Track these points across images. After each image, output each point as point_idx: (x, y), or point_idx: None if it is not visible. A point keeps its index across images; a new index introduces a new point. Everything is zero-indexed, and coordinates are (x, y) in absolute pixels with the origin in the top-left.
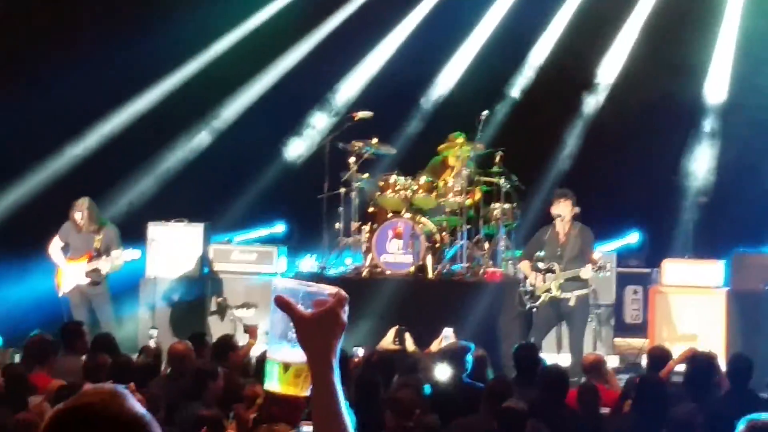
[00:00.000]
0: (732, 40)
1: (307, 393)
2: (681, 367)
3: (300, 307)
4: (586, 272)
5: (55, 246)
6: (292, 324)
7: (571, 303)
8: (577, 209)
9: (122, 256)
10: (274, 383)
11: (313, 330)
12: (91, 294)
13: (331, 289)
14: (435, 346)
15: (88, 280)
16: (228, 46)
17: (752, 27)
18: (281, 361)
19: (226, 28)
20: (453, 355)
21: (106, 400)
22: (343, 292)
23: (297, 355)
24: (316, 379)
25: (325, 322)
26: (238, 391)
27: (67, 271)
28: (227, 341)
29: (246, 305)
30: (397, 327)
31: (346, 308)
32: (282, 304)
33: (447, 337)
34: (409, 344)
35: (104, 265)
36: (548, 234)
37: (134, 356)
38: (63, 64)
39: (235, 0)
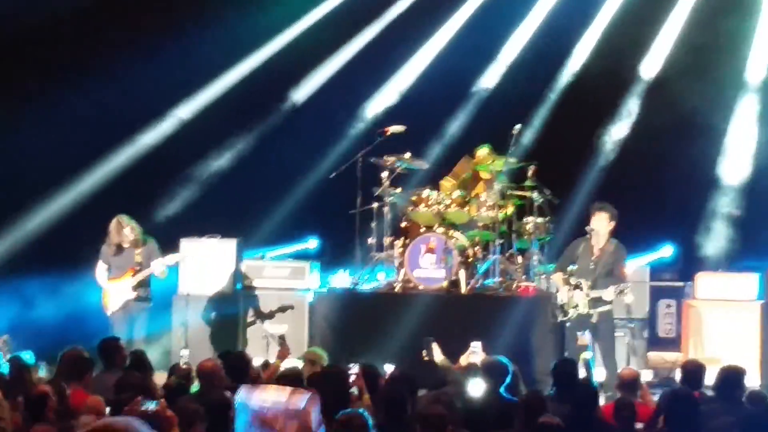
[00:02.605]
0: None
1: None
2: (711, 381)
3: None
4: (608, 294)
5: (100, 270)
6: None
7: (594, 320)
8: (613, 224)
9: (166, 261)
10: None
11: None
12: (135, 309)
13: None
14: (463, 360)
15: (134, 294)
16: (260, 62)
17: None
18: None
19: (257, 43)
20: (492, 371)
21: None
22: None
23: None
24: None
25: None
26: None
27: (113, 291)
28: (240, 359)
29: (276, 313)
30: (424, 338)
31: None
32: None
33: (475, 351)
34: (437, 355)
35: (144, 274)
36: (582, 247)
37: (165, 374)
38: (94, 79)
39: (268, 15)
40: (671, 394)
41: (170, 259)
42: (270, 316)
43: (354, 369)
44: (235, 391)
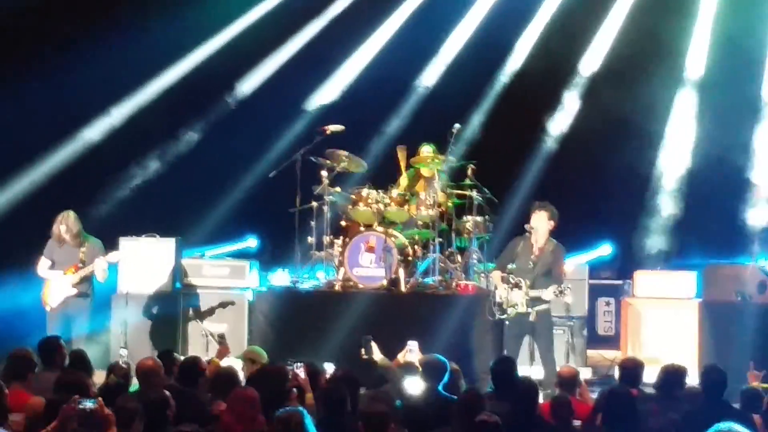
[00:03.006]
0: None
1: None
2: (651, 379)
3: None
4: (548, 294)
5: (42, 265)
6: None
7: (532, 318)
8: (552, 223)
9: (108, 259)
10: None
11: None
12: (75, 307)
13: None
14: (401, 359)
15: (75, 291)
16: (197, 62)
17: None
18: None
19: (194, 43)
20: (430, 369)
21: None
22: None
23: None
24: None
25: None
26: (205, 411)
27: (56, 285)
28: (195, 364)
29: (216, 309)
30: (363, 337)
31: None
32: None
33: (412, 350)
34: (376, 354)
35: (86, 271)
36: (521, 246)
37: (104, 373)
38: (31, 76)
39: (209, 14)
40: (609, 392)
41: (112, 257)
42: (209, 314)
43: (297, 368)
44: (174, 390)
